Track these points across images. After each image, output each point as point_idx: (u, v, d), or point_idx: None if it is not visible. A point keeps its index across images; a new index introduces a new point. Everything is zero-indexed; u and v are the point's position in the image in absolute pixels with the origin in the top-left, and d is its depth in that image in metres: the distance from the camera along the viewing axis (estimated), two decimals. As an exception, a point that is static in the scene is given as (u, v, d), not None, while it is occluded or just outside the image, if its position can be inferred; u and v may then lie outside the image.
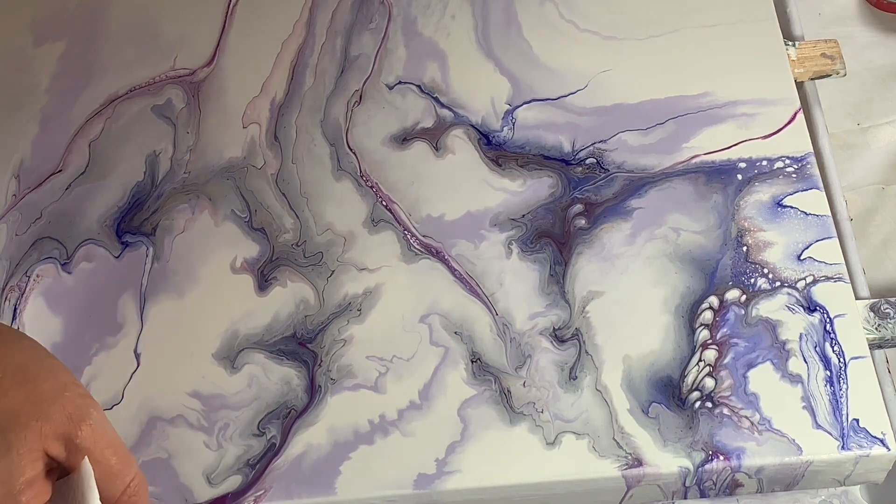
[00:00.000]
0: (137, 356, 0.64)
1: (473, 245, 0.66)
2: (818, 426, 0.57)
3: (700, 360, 0.60)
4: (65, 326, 0.66)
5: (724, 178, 0.66)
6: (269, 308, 0.65)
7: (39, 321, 0.66)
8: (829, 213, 0.65)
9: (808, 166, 0.66)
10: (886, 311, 0.62)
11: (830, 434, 0.57)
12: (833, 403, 0.58)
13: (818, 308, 0.61)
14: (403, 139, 0.70)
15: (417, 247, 0.66)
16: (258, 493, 0.59)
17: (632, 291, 0.63)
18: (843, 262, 0.63)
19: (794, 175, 0.66)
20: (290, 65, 0.74)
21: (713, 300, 0.62)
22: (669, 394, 0.59)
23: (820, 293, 0.62)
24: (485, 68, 0.73)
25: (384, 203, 0.68)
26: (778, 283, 0.62)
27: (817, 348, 0.60)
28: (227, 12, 0.77)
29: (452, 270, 0.65)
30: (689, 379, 0.60)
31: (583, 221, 0.66)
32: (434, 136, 0.70)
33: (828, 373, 0.59)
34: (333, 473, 0.59)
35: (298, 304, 0.65)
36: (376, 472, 0.59)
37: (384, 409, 0.61)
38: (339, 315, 0.64)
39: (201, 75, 0.74)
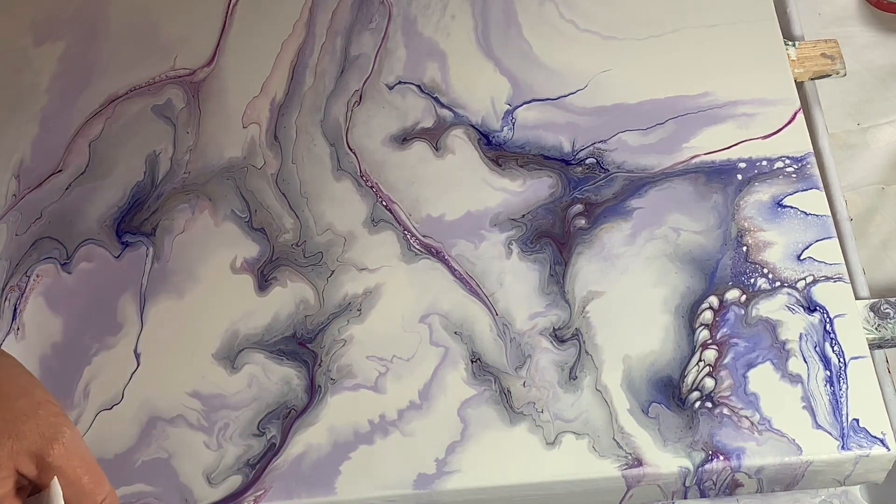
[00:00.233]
0: (137, 356, 0.64)
1: (473, 245, 0.66)
2: (818, 426, 0.57)
3: (700, 360, 0.60)
4: (65, 326, 0.66)
5: (724, 178, 0.66)
6: (269, 308, 0.65)
7: (39, 321, 0.66)
8: (829, 213, 0.65)
9: (808, 166, 0.66)
10: (886, 311, 0.62)
11: (830, 434, 0.57)
12: (833, 403, 0.58)
13: (818, 308, 0.61)
14: (403, 139, 0.70)
15: (417, 247, 0.66)
16: (258, 493, 0.59)
17: (632, 291, 0.63)
18: (843, 262, 0.63)
19: (794, 175, 0.66)
20: (290, 65, 0.74)
21: (713, 300, 0.62)
22: (669, 394, 0.59)
23: (820, 293, 0.62)
24: (485, 68, 0.73)
25: (384, 203, 0.68)
26: (778, 283, 0.62)
27: (817, 348, 0.60)
28: (227, 12, 0.77)
29: (452, 270, 0.65)
30: (689, 379, 0.60)
31: (583, 221, 0.66)
32: (434, 136, 0.70)
33: (828, 373, 0.59)
34: (333, 473, 0.59)
35: (298, 304, 0.65)
36: (376, 472, 0.59)
37: (384, 409, 0.61)
38: (339, 315, 0.64)
39: (201, 75, 0.74)
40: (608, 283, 0.63)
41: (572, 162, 0.68)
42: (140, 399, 0.63)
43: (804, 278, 0.62)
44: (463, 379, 0.61)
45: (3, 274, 0.68)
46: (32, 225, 0.69)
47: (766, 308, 0.61)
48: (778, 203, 0.65)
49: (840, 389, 0.58)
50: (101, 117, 0.73)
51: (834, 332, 0.60)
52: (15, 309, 0.66)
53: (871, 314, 0.62)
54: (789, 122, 0.68)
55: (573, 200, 0.67)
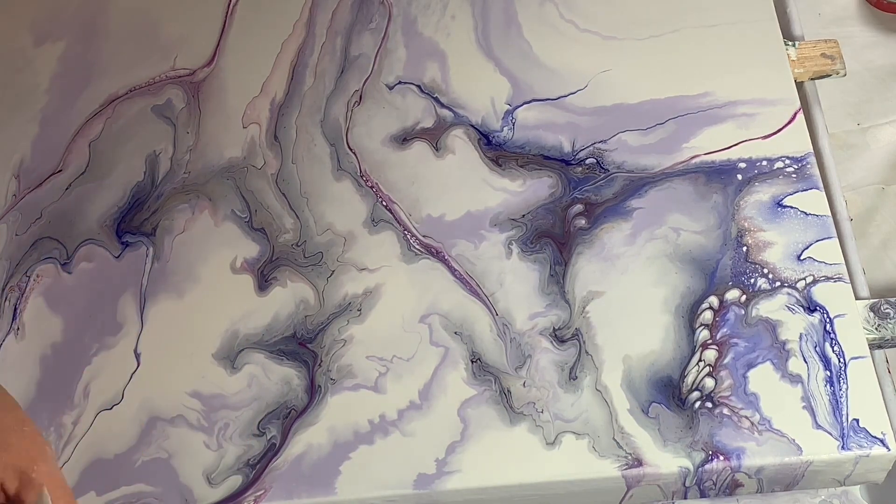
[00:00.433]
0: (137, 356, 0.64)
1: (473, 245, 0.66)
2: (818, 426, 0.57)
3: (700, 360, 0.60)
4: (65, 326, 0.66)
5: (724, 178, 0.66)
6: (269, 308, 0.65)
7: (39, 321, 0.66)
8: (829, 213, 0.65)
9: (808, 166, 0.66)
10: (886, 311, 0.62)
11: (830, 434, 0.57)
12: (833, 403, 0.58)
13: (818, 308, 0.61)
14: (403, 139, 0.70)
15: (417, 247, 0.66)
16: (258, 493, 0.59)
17: (632, 291, 0.63)
18: (843, 262, 0.63)
19: (794, 175, 0.66)
20: (290, 65, 0.74)
21: (713, 300, 0.62)
22: (669, 394, 0.59)
23: (820, 293, 0.62)
24: (485, 68, 0.73)
25: (384, 203, 0.68)
26: (778, 283, 0.62)
27: (817, 348, 0.60)
28: (227, 12, 0.77)
29: (452, 270, 0.65)
30: (689, 379, 0.60)
31: (583, 221, 0.66)
32: (434, 136, 0.70)
33: (828, 373, 0.59)
34: (333, 473, 0.59)
35: (298, 304, 0.65)
36: (376, 472, 0.59)
37: (384, 409, 0.61)
38: (339, 315, 0.64)
39: (201, 75, 0.74)
40: (608, 283, 0.63)
41: (572, 162, 0.68)
42: (140, 399, 0.63)
43: (804, 278, 0.62)
44: (463, 379, 0.61)
45: (3, 274, 0.68)
46: (32, 225, 0.69)
47: (766, 308, 0.61)
48: (778, 203, 0.65)
49: (840, 389, 0.58)
50: (101, 117, 0.73)
51: (834, 332, 0.60)
52: (15, 309, 0.66)
53: (871, 314, 0.62)
54: (789, 122, 0.68)
55: (573, 200, 0.67)
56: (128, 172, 0.71)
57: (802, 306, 0.61)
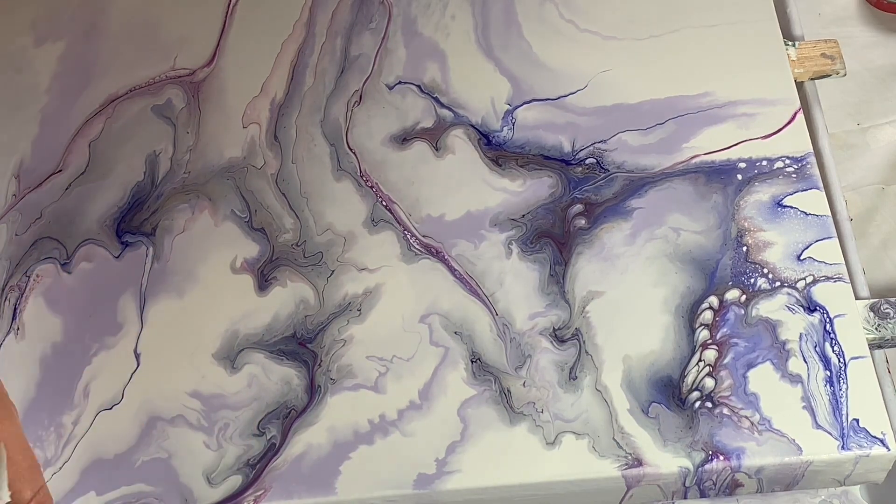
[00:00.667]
0: (137, 356, 0.64)
1: (473, 245, 0.66)
2: (818, 426, 0.57)
3: (700, 360, 0.60)
4: (65, 326, 0.66)
5: (724, 178, 0.66)
6: (269, 308, 0.65)
7: (39, 321, 0.66)
8: (829, 213, 0.65)
9: (808, 166, 0.66)
10: (886, 311, 0.62)
11: (830, 434, 0.57)
12: (833, 403, 0.58)
13: (818, 308, 0.61)
14: (403, 139, 0.70)
15: (417, 247, 0.66)
16: (258, 493, 0.59)
17: (632, 291, 0.63)
18: (843, 262, 0.63)
19: (794, 175, 0.66)
20: (290, 65, 0.74)
21: (713, 300, 0.62)
22: (669, 394, 0.59)
23: (820, 293, 0.62)
24: (485, 68, 0.73)
25: (384, 203, 0.68)
26: (778, 283, 0.62)
27: (817, 348, 0.60)
28: (227, 12, 0.77)
29: (452, 270, 0.65)
30: (689, 379, 0.60)
31: (583, 221, 0.66)
32: (434, 136, 0.70)
33: (828, 373, 0.59)
34: (333, 473, 0.59)
35: (298, 304, 0.65)
36: (376, 472, 0.59)
37: (384, 409, 0.61)
38: (339, 315, 0.64)
39: (201, 75, 0.74)
40: (608, 283, 0.63)
41: (572, 162, 0.68)
42: (140, 399, 0.63)
43: (804, 278, 0.62)
44: (463, 379, 0.61)
45: (3, 274, 0.68)
46: (32, 225, 0.69)
47: (766, 308, 0.61)
48: (778, 203, 0.65)
49: (840, 389, 0.58)
50: (101, 117, 0.73)
51: (834, 332, 0.60)
52: (15, 309, 0.66)
53: (871, 314, 0.62)
54: (789, 122, 0.68)
55: (573, 200, 0.67)
56: (128, 172, 0.71)
57: (802, 306, 0.61)
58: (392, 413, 0.60)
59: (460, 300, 0.64)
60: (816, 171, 0.66)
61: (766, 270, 0.63)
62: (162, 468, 0.60)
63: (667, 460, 0.57)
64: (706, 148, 0.68)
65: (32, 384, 0.64)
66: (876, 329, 0.62)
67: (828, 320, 0.61)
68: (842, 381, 0.59)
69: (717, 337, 0.61)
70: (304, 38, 0.75)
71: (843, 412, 0.58)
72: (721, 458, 0.57)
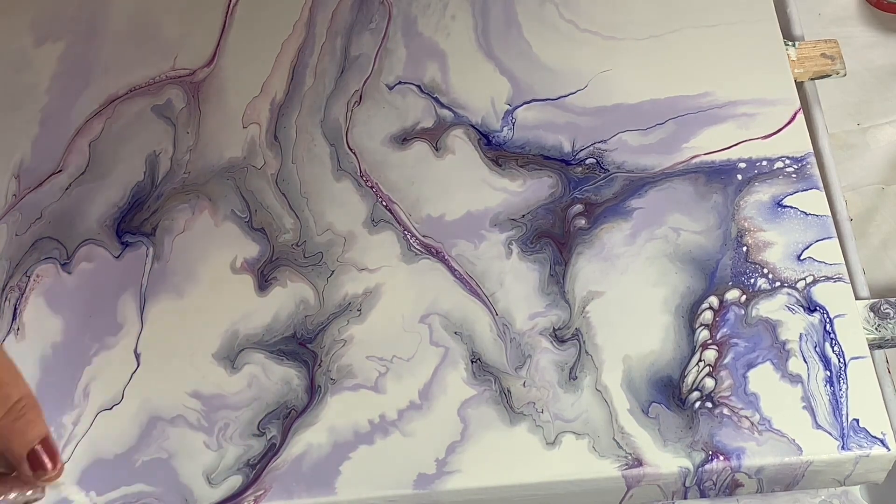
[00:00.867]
0: (137, 356, 0.64)
1: (473, 245, 0.66)
2: (818, 426, 0.57)
3: (700, 360, 0.60)
4: (65, 326, 0.66)
5: (724, 178, 0.66)
6: (269, 308, 0.65)
7: (39, 321, 0.66)
8: (829, 213, 0.65)
9: (808, 166, 0.66)
10: (886, 311, 0.62)
11: (830, 434, 0.57)
12: (833, 403, 0.58)
13: (818, 308, 0.61)
14: (403, 139, 0.70)
15: (417, 247, 0.66)
16: (258, 493, 0.59)
17: (632, 291, 0.63)
18: (843, 262, 0.63)
19: (794, 175, 0.66)
20: (290, 65, 0.74)
21: (713, 300, 0.62)
22: (669, 394, 0.59)
23: (820, 293, 0.62)
24: (485, 68, 0.73)
25: (384, 203, 0.68)
26: (778, 283, 0.62)
27: (817, 348, 0.60)
28: (227, 12, 0.77)
29: (452, 270, 0.65)
30: (689, 379, 0.60)
31: (583, 221, 0.66)
32: (434, 136, 0.70)
33: (828, 373, 0.59)
34: (333, 473, 0.59)
35: (298, 304, 0.65)
36: (376, 472, 0.59)
37: (384, 409, 0.61)
38: (339, 315, 0.64)
39: (201, 75, 0.74)
40: (608, 283, 0.63)
41: (572, 162, 0.68)
42: (140, 399, 0.63)
43: (804, 278, 0.62)
44: (463, 379, 0.61)
45: (3, 274, 0.68)
46: (32, 225, 0.69)
47: (766, 308, 0.61)
48: (778, 203, 0.65)
49: (840, 389, 0.58)
50: (101, 117, 0.73)
51: (834, 332, 0.60)
52: (15, 309, 0.66)
53: (871, 314, 0.62)
54: (789, 122, 0.68)
55: (573, 200, 0.67)
56: (128, 172, 0.71)
57: (802, 306, 0.61)
58: (392, 413, 0.60)
59: (460, 300, 0.64)
60: (816, 171, 0.66)
61: (766, 270, 0.63)
62: (162, 468, 0.60)
63: (667, 460, 0.57)
64: (706, 148, 0.68)
65: (32, 384, 0.64)
66: (876, 329, 0.62)
67: (828, 320, 0.61)
68: (842, 381, 0.59)
69: (717, 337, 0.61)
70: (304, 38, 0.75)
71: (843, 412, 0.58)
72: (721, 458, 0.57)
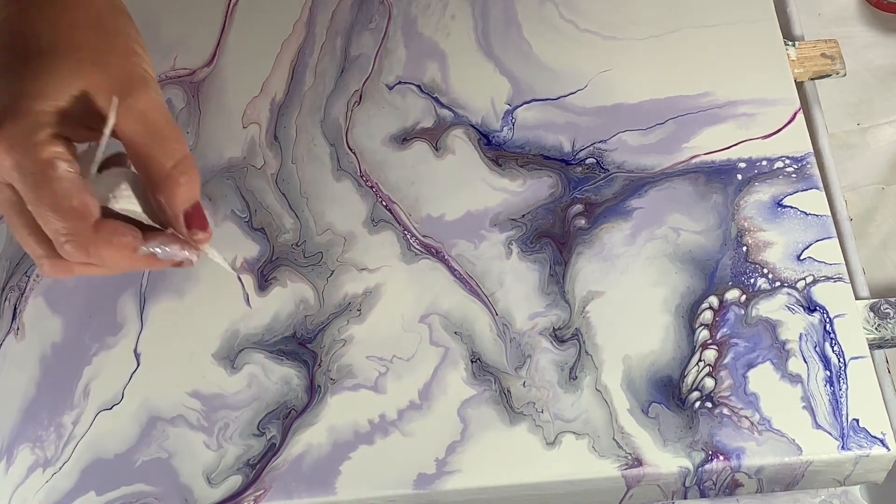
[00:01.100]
0: (137, 356, 0.64)
1: (473, 245, 0.66)
2: (818, 426, 0.57)
3: (700, 360, 0.60)
4: (65, 326, 0.66)
5: (724, 178, 0.66)
6: (269, 308, 0.65)
7: (39, 321, 0.66)
8: (829, 213, 0.65)
9: (808, 166, 0.66)
10: (886, 311, 0.62)
11: (830, 434, 0.57)
12: (833, 403, 0.58)
13: (818, 308, 0.61)
14: (403, 139, 0.70)
15: (417, 247, 0.66)
16: (258, 493, 0.59)
17: (632, 291, 0.63)
18: (843, 262, 0.63)
19: (793, 175, 0.66)
20: (290, 65, 0.74)
21: (713, 300, 0.62)
22: (669, 394, 0.59)
23: (820, 293, 0.62)
24: (485, 68, 0.73)
25: (384, 203, 0.68)
26: (778, 283, 0.62)
27: (817, 348, 0.60)
28: (227, 12, 0.77)
29: (452, 270, 0.65)
30: (689, 379, 0.60)
31: (583, 221, 0.66)
32: (434, 136, 0.70)
33: (828, 373, 0.59)
34: (333, 473, 0.59)
35: (298, 304, 0.65)
36: (376, 472, 0.59)
37: (384, 409, 0.61)
38: (339, 315, 0.64)
39: (201, 75, 0.74)
40: (608, 283, 0.63)
41: (572, 162, 0.68)
42: (140, 399, 0.63)
43: (804, 278, 0.62)
44: (463, 379, 0.61)
45: (3, 274, 0.68)
46: (32, 225, 0.69)
47: (766, 308, 0.61)
48: (778, 203, 0.65)
49: (840, 389, 0.58)
50: (101, 117, 0.73)
51: (834, 332, 0.60)
52: (15, 309, 0.66)
53: (871, 314, 0.62)
54: (789, 122, 0.68)
55: (573, 200, 0.67)
56: (128, 172, 0.71)
57: (802, 306, 0.61)
58: (392, 413, 0.60)
59: (460, 300, 0.64)
60: (816, 171, 0.66)
61: (766, 270, 0.63)
62: (162, 468, 0.60)
63: (667, 460, 0.57)
64: (706, 148, 0.68)
65: (32, 384, 0.64)
66: (876, 329, 0.62)
67: (828, 320, 0.61)
68: (842, 381, 0.59)
69: (717, 337, 0.61)
70: (304, 38, 0.75)
71: (843, 412, 0.58)
72: (721, 458, 0.57)
